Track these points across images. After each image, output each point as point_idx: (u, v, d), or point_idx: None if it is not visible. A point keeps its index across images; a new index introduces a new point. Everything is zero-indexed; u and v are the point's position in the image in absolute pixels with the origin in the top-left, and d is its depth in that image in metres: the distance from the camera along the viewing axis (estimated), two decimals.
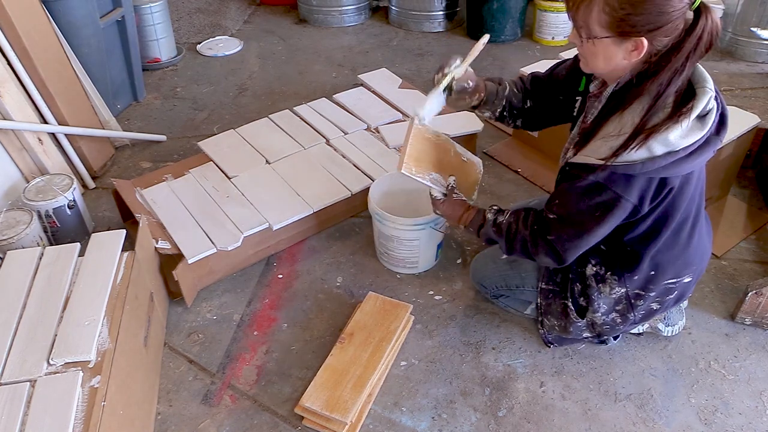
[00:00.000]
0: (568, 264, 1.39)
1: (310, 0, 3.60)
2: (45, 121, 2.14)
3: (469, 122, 2.31)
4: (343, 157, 2.14)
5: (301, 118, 2.35)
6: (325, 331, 1.72)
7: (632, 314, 1.47)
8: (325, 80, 3.05)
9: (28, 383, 1.21)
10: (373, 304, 1.70)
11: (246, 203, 1.93)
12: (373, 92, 2.51)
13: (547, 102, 1.53)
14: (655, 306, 1.48)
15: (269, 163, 2.12)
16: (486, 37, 1.47)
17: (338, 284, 1.88)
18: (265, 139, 2.23)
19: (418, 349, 1.66)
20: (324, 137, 2.24)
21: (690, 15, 1.12)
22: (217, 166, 2.10)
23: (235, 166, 2.08)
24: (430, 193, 1.54)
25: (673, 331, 1.64)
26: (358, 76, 2.65)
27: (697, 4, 1.12)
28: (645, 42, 1.14)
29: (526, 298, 1.65)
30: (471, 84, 1.46)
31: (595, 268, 1.45)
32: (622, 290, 1.43)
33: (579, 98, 1.45)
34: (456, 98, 1.46)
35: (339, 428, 1.44)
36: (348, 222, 2.11)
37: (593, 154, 1.21)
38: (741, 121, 1.98)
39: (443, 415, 1.51)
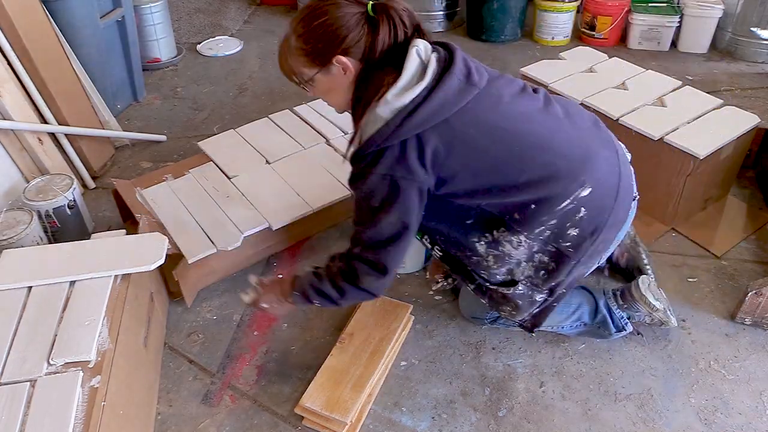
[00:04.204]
0: (391, 274, 1.31)
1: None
2: (45, 121, 2.14)
3: None
4: (344, 157, 2.14)
5: (301, 118, 2.35)
6: (325, 331, 1.72)
7: (551, 246, 1.35)
8: None
9: (28, 383, 1.21)
10: (373, 303, 1.70)
11: (246, 203, 1.93)
12: None
13: None
14: (573, 231, 1.32)
15: (269, 163, 2.11)
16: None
17: None
18: (265, 139, 2.23)
19: (418, 349, 1.66)
20: (324, 137, 2.24)
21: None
22: (217, 166, 2.10)
23: (235, 166, 2.08)
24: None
25: (672, 322, 1.63)
26: None
27: (370, 9, 1.22)
28: (344, 59, 1.23)
29: None
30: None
31: (481, 241, 1.36)
32: (522, 236, 1.32)
33: None
34: None
35: (339, 428, 1.44)
36: (348, 222, 2.11)
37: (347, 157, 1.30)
38: (741, 121, 1.98)
39: (443, 415, 1.51)
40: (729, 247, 1.97)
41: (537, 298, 1.45)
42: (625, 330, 1.63)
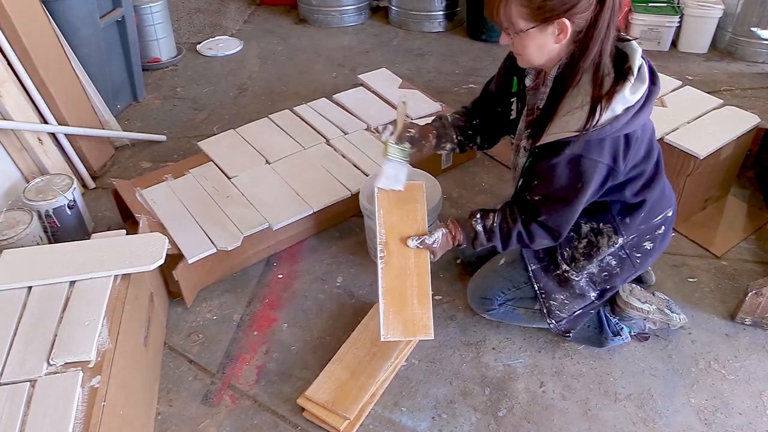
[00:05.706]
0: (563, 239, 1.44)
1: (310, 0, 3.60)
2: (45, 121, 2.14)
3: None
4: (343, 157, 2.14)
5: (301, 118, 2.35)
6: (325, 331, 1.72)
7: (625, 252, 1.50)
8: (325, 80, 3.05)
9: (28, 383, 1.21)
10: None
11: (246, 203, 1.93)
12: (373, 92, 2.51)
13: (490, 115, 1.61)
14: (648, 245, 1.51)
15: (269, 163, 2.12)
16: (404, 98, 1.49)
17: (338, 284, 1.88)
18: (265, 139, 2.23)
19: (418, 349, 1.66)
20: (324, 137, 2.24)
21: None
22: (217, 166, 2.10)
23: (235, 166, 2.08)
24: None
25: (680, 318, 1.64)
26: (358, 76, 2.65)
27: None
28: (567, 22, 1.20)
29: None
30: (415, 132, 1.53)
31: (589, 225, 1.48)
32: (620, 239, 1.46)
33: (513, 99, 1.51)
34: (416, 149, 1.54)
35: (337, 424, 1.44)
36: (348, 222, 2.11)
37: (564, 129, 1.26)
38: (741, 121, 1.98)
39: (443, 415, 1.51)
40: (729, 247, 1.97)
41: (590, 296, 1.57)
42: (621, 335, 1.64)
